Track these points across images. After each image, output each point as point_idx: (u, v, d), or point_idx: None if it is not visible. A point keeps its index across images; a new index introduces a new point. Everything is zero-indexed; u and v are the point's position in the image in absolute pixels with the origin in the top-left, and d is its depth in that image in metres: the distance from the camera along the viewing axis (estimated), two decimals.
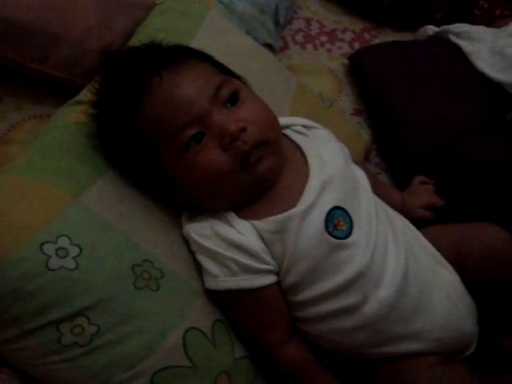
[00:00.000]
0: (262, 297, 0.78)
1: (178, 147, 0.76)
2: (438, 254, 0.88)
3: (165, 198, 0.84)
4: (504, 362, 0.90)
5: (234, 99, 0.79)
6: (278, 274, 0.78)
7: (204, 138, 0.76)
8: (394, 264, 0.79)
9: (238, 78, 0.86)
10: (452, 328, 0.81)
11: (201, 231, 0.79)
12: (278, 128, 0.84)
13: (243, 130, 0.75)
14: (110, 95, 0.82)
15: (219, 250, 0.77)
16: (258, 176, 0.77)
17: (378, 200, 0.89)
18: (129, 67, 0.80)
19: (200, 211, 0.82)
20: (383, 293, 0.77)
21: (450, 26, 1.39)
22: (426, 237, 0.90)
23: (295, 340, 0.81)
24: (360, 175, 0.87)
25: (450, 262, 0.87)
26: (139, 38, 1.02)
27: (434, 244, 0.89)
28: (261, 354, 0.81)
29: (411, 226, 0.91)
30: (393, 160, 1.22)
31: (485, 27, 1.40)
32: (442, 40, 1.40)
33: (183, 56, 0.81)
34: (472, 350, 0.86)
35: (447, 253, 0.88)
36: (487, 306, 0.88)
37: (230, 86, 0.79)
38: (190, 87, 0.76)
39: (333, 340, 0.81)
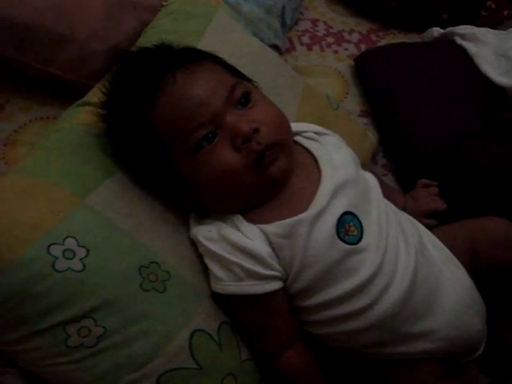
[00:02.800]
0: (265, 303, 0.77)
1: (190, 147, 0.76)
2: (449, 251, 0.88)
3: (173, 198, 0.84)
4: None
5: (246, 101, 0.79)
6: (284, 280, 0.78)
7: (216, 138, 0.76)
8: (404, 264, 0.79)
9: (249, 80, 0.86)
10: (461, 327, 0.82)
11: (208, 234, 0.79)
12: (290, 130, 0.84)
13: (256, 130, 0.75)
14: (122, 94, 0.81)
15: (225, 254, 0.76)
16: (270, 177, 0.77)
17: (387, 202, 0.89)
18: (142, 66, 0.80)
19: (208, 214, 0.82)
20: (394, 292, 0.77)
21: (456, 28, 1.39)
22: (438, 235, 0.91)
23: (298, 347, 0.80)
24: (371, 180, 0.87)
25: (464, 258, 0.88)
26: (146, 40, 1.03)
27: (447, 241, 0.89)
28: (261, 357, 0.81)
29: (419, 224, 0.92)
30: (398, 161, 1.22)
31: (490, 29, 1.40)
32: (447, 42, 1.40)
33: (196, 57, 0.81)
34: (480, 351, 0.87)
35: (461, 248, 0.89)
36: (496, 305, 0.89)
37: (242, 88, 0.79)
38: (204, 87, 0.76)
39: (343, 340, 0.81)
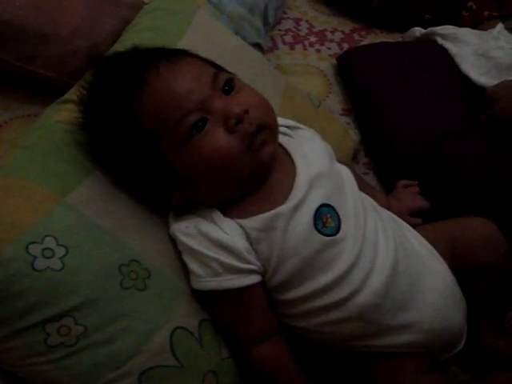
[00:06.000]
0: (243, 296, 0.78)
1: (182, 135, 0.75)
2: (431, 247, 0.89)
3: (158, 198, 0.83)
4: (491, 360, 0.91)
5: (230, 88, 0.79)
6: (262, 274, 0.78)
7: (207, 123, 0.75)
8: (383, 254, 0.80)
9: (228, 72, 0.85)
10: (443, 320, 0.82)
11: (185, 230, 0.79)
12: (275, 114, 0.83)
13: (246, 112, 0.75)
14: (104, 91, 0.80)
15: (202, 249, 0.77)
16: (261, 160, 0.77)
17: (364, 195, 0.89)
18: (123, 64, 0.80)
19: (186, 210, 0.82)
20: (374, 282, 0.78)
21: (437, 28, 1.41)
22: (421, 233, 0.92)
23: (274, 341, 0.80)
24: (345, 172, 0.88)
25: (445, 256, 0.89)
26: (128, 37, 1.02)
27: (429, 239, 0.90)
28: (237, 352, 0.81)
29: (401, 221, 0.93)
30: (379, 160, 1.23)
31: (471, 29, 1.42)
32: (428, 42, 1.41)
33: (179, 52, 0.82)
34: (460, 347, 0.88)
35: (443, 246, 0.90)
36: (477, 305, 0.90)
37: (225, 76, 0.79)
38: (188, 76, 0.76)
39: (324, 332, 0.81)
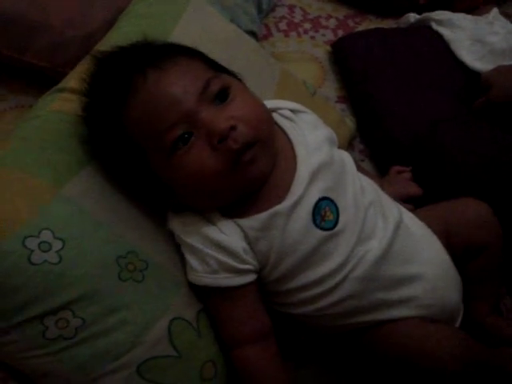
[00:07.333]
0: (237, 295, 0.77)
1: (165, 149, 0.73)
2: (427, 227, 0.90)
3: (158, 201, 0.82)
4: (488, 339, 0.91)
5: (223, 96, 0.75)
6: (258, 272, 0.78)
7: (192, 137, 0.73)
8: (380, 236, 0.80)
9: (232, 74, 0.83)
10: (439, 297, 0.83)
11: (184, 228, 0.78)
12: (271, 125, 0.81)
13: (233, 127, 0.71)
14: (95, 98, 0.79)
15: (201, 246, 0.76)
16: (249, 178, 0.75)
17: (364, 177, 0.89)
18: (114, 67, 0.78)
19: (186, 208, 0.80)
20: (368, 257, 0.78)
21: (432, 14, 1.40)
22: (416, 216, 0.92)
23: (258, 347, 0.78)
24: (346, 157, 0.87)
25: (440, 238, 0.89)
26: (122, 25, 1.01)
27: (424, 222, 0.91)
28: (224, 346, 0.80)
29: (397, 204, 0.93)
30: (375, 147, 1.23)
31: (466, 15, 1.41)
32: (423, 27, 1.40)
33: (171, 54, 0.78)
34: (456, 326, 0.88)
35: (438, 228, 0.90)
36: (470, 285, 0.91)
37: (219, 82, 0.76)
38: (176, 85, 0.73)
39: (321, 308, 0.80)
